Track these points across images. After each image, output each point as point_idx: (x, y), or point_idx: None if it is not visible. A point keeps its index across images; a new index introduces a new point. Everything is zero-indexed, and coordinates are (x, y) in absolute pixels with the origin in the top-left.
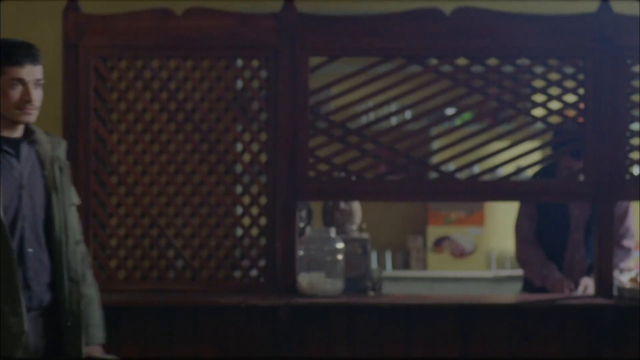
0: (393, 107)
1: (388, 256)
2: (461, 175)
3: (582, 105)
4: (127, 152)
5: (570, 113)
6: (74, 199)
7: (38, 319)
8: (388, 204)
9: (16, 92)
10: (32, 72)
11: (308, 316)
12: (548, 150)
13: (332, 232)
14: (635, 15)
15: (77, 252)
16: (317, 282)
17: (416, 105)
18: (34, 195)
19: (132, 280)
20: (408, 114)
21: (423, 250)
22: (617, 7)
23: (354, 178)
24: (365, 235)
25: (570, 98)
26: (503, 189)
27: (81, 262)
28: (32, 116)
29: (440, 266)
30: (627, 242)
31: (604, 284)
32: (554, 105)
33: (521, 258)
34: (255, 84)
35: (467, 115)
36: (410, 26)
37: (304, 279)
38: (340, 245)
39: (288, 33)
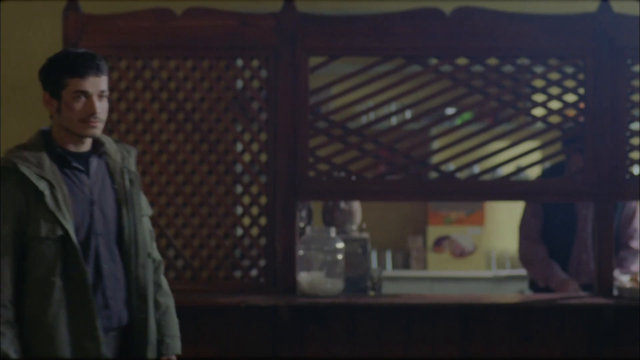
0: (393, 106)
1: (388, 256)
2: (461, 175)
3: (582, 105)
4: None
5: (571, 113)
6: (146, 209)
7: (115, 338)
8: (388, 204)
9: (79, 105)
10: (95, 84)
11: (308, 316)
12: (551, 149)
13: (332, 232)
14: (635, 15)
15: (148, 265)
16: (317, 282)
17: (416, 105)
18: (105, 210)
19: None
20: (408, 114)
21: (423, 250)
22: (617, 7)
23: (354, 178)
24: (365, 235)
25: (570, 98)
26: (503, 189)
27: (154, 271)
28: (97, 129)
29: (440, 266)
30: (635, 244)
31: (604, 283)
32: (554, 105)
33: (524, 257)
34: (255, 84)
35: (467, 115)
36: (410, 26)
37: (304, 279)
38: (340, 245)
39: (288, 33)
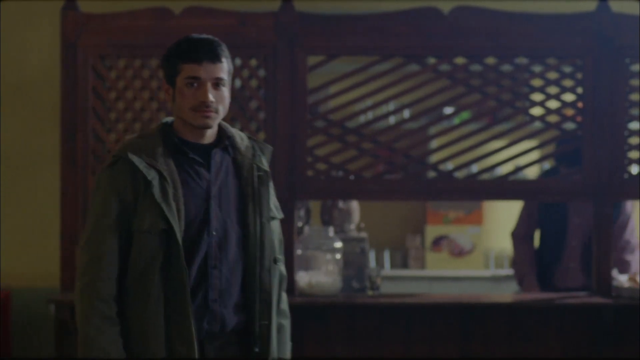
0: (391, 106)
1: (386, 255)
2: (460, 174)
3: (580, 104)
4: None
5: (569, 112)
6: (275, 212)
7: (221, 344)
8: (386, 203)
9: (191, 92)
10: (210, 70)
11: (306, 315)
12: (549, 148)
13: (331, 231)
14: (634, 14)
15: (275, 272)
16: (316, 282)
17: (414, 104)
18: (225, 208)
19: None
20: (406, 113)
21: (421, 249)
22: (616, 7)
23: (352, 177)
24: (363, 235)
25: (569, 97)
26: (501, 188)
27: (278, 284)
28: (209, 119)
29: (438, 265)
30: (627, 256)
31: (603, 283)
32: (553, 104)
33: (513, 256)
34: (254, 83)
35: (465, 114)
36: (409, 25)
37: (303, 278)
38: (338, 244)
39: (286, 32)
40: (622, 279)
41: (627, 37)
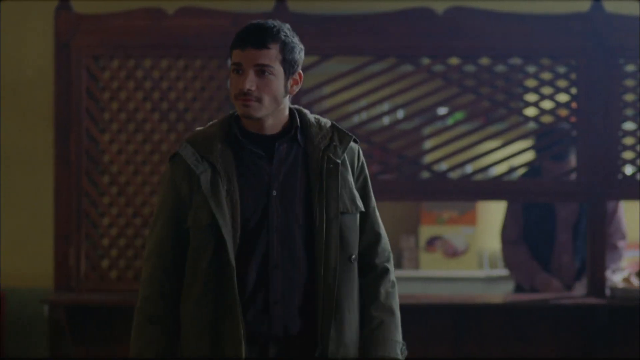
0: (385, 106)
1: None
2: (453, 174)
3: (574, 105)
4: (119, 152)
5: (563, 112)
6: (349, 206)
7: (285, 348)
8: (380, 204)
9: (233, 80)
10: (251, 56)
11: None
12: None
13: None
14: (628, 14)
15: (347, 269)
16: None
17: (408, 105)
18: (288, 202)
19: (124, 280)
20: (400, 114)
21: (415, 249)
22: (610, 7)
23: None
24: None
25: (563, 97)
26: (495, 189)
27: (374, 280)
28: (250, 109)
29: (432, 266)
30: (618, 242)
31: (597, 284)
32: (547, 104)
33: (507, 261)
34: None
35: (459, 115)
36: (403, 26)
37: None
38: None
39: None
40: (616, 280)
41: (621, 38)
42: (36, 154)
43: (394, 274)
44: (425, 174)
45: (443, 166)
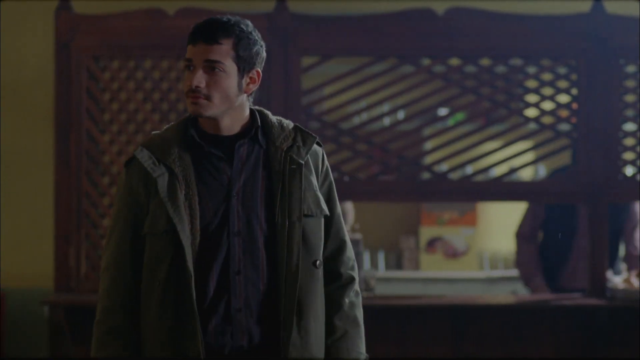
0: (386, 107)
1: (381, 257)
2: (454, 175)
3: (575, 106)
4: (120, 153)
5: (564, 113)
6: (313, 208)
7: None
8: (381, 205)
9: (187, 76)
10: (201, 52)
11: None
12: (544, 149)
13: None
14: (628, 15)
15: (309, 275)
16: None
17: (409, 106)
18: (249, 206)
19: None
20: (401, 115)
21: (416, 250)
22: (610, 8)
23: (346, 178)
24: (357, 236)
25: (563, 98)
26: (496, 190)
27: (338, 289)
28: (198, 106)
29: (433, 267)
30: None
31: (597, 284)
32: (547, 105)
33: (516, 256)
34: None
35: (459, 116)
36: (403, 26)
37: None
38: None
39: (280, 33)
40: (616, 280)
41: (621, 38)
42: (36, 155)
43: (358, 283)
44: (426, 175)
45: (443, 167)
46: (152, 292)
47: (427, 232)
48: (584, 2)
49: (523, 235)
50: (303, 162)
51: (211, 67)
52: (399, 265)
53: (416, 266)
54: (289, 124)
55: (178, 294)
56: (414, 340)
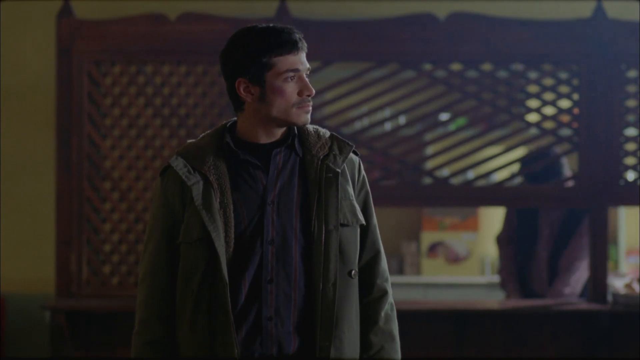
0: (387, 112)
1: None
2: (455, 180)
3: (576, 111)
4: (121, 157)
5: (565, 118)
6: (352, 217)
7: None
8: (382, 209)
9: (291, 87)
10: (304, 61)
11: None
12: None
13: None
14: (630, 20)
15: (347, 285)
16: None
17: (410, 111)
18: (285, 214)
19: (125, 286)
20: (402, 120)
21: (417, 255)
22: (612, 13)
23: None
24: None
25: (565, 103)
26: (497, 195)
27: (374, 302)
28: (309, 115)
29: (434, 272)
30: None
31: (599, 289)
32: (549, 110)
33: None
34: None
35: (461, 121)
36: (404, 31)
37: None
38: None
39: None
40: (618, 285)
41: (623, 43)
42: (37, 159)
43: (392, 295)
44: (427, 180)
45: (445, 172)
46: (186, 301)
47: (428, 237)
48: (585, 8)
49: (500, 240)
50: (340, 171)
51: (307, 76)
52: (400, 270)
53: (417, 271)
54: (325, 132)
55: (212, 304)
56: (416, 345)
